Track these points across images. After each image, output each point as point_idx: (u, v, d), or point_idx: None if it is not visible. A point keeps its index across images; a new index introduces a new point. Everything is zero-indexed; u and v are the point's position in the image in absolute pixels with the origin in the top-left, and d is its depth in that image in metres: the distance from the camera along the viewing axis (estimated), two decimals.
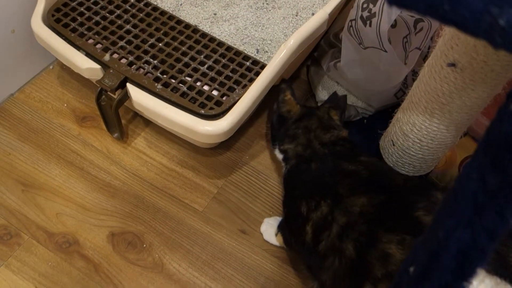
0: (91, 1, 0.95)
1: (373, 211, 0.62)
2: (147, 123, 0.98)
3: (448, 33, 0.61)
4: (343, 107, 0.87)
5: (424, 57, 0.94)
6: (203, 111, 0.81)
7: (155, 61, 0.87)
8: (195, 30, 0.93)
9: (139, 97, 0.83)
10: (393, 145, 0.82)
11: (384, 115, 0.92)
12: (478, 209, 0.32)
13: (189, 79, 0.86)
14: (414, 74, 0.93)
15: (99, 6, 0.94)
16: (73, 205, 0.87)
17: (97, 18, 0.93)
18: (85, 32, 0.90)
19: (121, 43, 0.89)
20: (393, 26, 0.83)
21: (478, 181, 0.33)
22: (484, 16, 0.27)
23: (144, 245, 0.84)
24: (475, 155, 0.35)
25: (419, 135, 0.75)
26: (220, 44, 0.91)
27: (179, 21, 0.94)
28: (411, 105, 0.74)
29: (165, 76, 0.86)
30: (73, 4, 0.94)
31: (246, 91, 0.82)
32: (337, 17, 1.01)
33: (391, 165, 0.85)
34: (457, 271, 0.34)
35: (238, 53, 0.90)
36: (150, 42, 0.90)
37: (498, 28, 0.28)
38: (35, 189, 0.89)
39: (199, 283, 0.80)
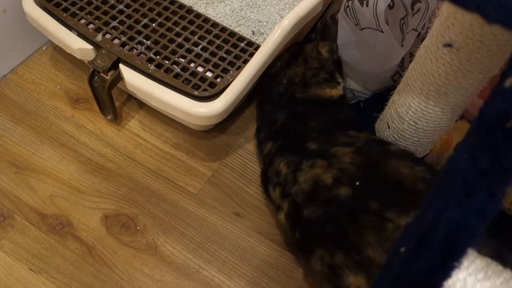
0: None
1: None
2: (141, 105, 0.97)
3: (445, 12, 0.59)
4: (331, 37, 0.90)
5: (422, 39, 0.93)
6: (196, 93, 0.80)
7: (148, 42, 0.86)
8: (189, 10, 0.92)
9: (131, 78, 0.82)
10: (388, 128, 0.81)
11: (380, 98, 0.91)
12: (469, 189, 0.32)
13: (182, 60, 0.85)
14: (411, 56, 0.92)
15: None
16: (67, 187, 0.87)
17: None
18: (77, 12, 0.89)
19: (114, 23, 0.88)
20: (391, 7, 0.81)
21: (469, 160, 0.32)
22: None
23: (138, 227, 0.83)
24: (467, 136, 0.35)
25: (415, 118, 0.74)
26: (215, 25, 0.90)
27: (173, 1, 0.92)
28: (407, 87, 0.73)
29: (158, 57, 0.84)
30: None
31: (240, 72, 0.81)
32: None
33: None
34: (446, 251, 0.34)
35: (232, 34, 0.89)
36: (143, 23, 0.89)
37: (492, 1, 0.27)
38: (28, 171, 0.88)
39: (193, 265, 0.80)
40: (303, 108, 0.83)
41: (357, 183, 0.68)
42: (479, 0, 0.27)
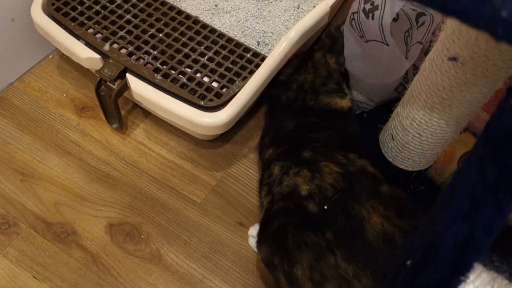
0: None
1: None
2: (146, 114, 0.98)
3: (450, 27, 0.60)
4: (339, 49, 0.89)
5: (426, 52, 0.94)
6: (202, 103, 0.81)
7: (155, 52, 0.87)
8: (196, 21, 0.93)
9: (138, 87, 0.82)
10: (393, 139, 0.81)
11: (384, 109, 0.91)
12: (476, 202, 0.32)
13: (189, 70, 0.85)
14: (415, 69, 0.93)
15: None
16: (72, 195, 0.87)
17: (98, 7, 0.92)
18: (85, 22, 0.90)
19: (121, 33, 0.89)
20: (395, 20, 0.82)
21: (477, 174, 0.33)
22: (486, 7, 0.27)
23: (142, 236, 0.84)
24: (474, 149, 0.35)
25: (419, 130, 0.75)
26: (221, 35, 0.91)
27: (180, 12, 0.93)
28: (411, 100, 0.73)
29: (165, 67, 0.85)
30: None
31: (246, 83, 0.82)
32: (339, 10, 1.00)
33: (390, 159, 0.85)
34: (454, 264, 0.34)
35: (238, 44, 0.90)
36: (150, 33, 0.90)
37: (500, 20, 0.27)
38: (34, 179, 0.88)
39: (196, 275, 0.80)
40: (314, 119, 0.83)
41: (325, 207, 0.68)
42: (487, 19, 0.27)
